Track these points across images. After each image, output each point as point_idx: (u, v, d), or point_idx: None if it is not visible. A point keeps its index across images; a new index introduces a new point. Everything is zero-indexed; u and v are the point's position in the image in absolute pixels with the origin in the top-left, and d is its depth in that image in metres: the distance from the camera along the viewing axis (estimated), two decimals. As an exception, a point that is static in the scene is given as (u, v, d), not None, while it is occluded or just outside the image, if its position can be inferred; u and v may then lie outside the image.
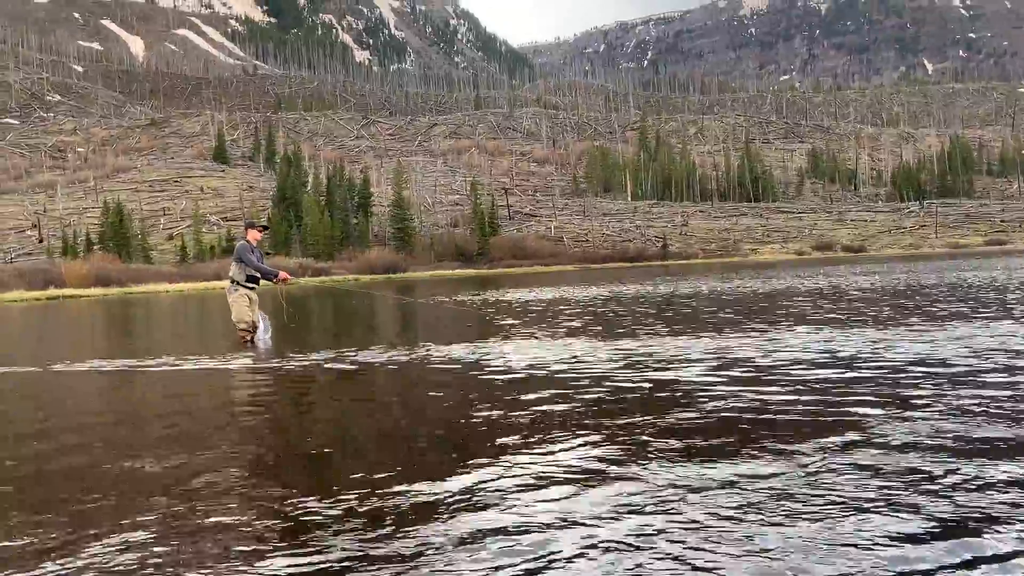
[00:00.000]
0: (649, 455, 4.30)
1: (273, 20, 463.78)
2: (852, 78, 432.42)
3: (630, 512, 3.38)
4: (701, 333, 10.71)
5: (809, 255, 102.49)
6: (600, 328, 12.50)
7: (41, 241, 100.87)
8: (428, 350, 9.95)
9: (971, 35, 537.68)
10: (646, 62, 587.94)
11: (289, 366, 9.20)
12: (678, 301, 19.41)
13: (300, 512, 3.58)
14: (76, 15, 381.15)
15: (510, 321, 14.83)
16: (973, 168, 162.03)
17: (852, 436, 4.51)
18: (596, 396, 6.24)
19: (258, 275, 12.06)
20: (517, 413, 5.67)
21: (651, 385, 6.63)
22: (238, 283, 11.94)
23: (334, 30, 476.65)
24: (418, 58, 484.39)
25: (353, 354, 9.87)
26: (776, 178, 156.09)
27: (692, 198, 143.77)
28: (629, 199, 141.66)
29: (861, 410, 5.21)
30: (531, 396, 6.33)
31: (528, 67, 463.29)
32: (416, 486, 3.89)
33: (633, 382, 6.82)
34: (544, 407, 5.85)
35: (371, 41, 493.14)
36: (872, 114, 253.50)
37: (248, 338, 11.83)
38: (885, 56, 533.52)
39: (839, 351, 8.22)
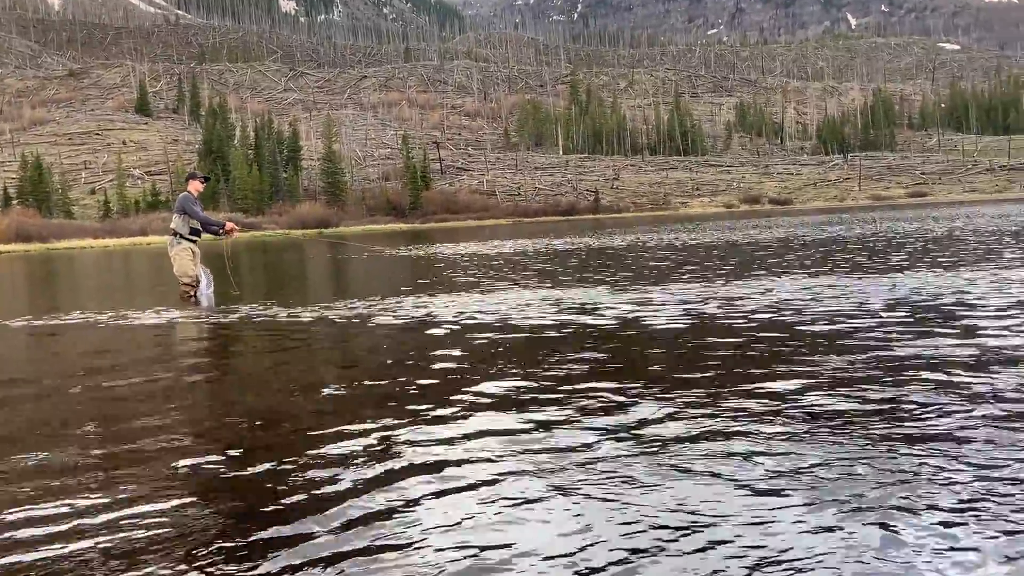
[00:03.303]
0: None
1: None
2: (778, 32, 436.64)
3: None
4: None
5: (737, 208, 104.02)
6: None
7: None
8: (373, 304, 9.93)
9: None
10: (576, 15, 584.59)
11: (232, 320, 9.06)
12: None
13: (241, 471, 3.59)
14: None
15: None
16: (895, 122, 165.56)
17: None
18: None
19: (202, 227, 11.72)
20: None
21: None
22: (181, 236, 11.49)
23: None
24: (345, 8, 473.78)
25: (313, 307, 9.81)
26: (705, 132, 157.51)
27: (623, 152, 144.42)
28: (561, 153, 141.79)
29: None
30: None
31: (458, 19, 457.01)
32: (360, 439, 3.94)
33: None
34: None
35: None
36: (797, 68, 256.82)
37: (191, 293, 11.46)
38: (811, 10, 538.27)
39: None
